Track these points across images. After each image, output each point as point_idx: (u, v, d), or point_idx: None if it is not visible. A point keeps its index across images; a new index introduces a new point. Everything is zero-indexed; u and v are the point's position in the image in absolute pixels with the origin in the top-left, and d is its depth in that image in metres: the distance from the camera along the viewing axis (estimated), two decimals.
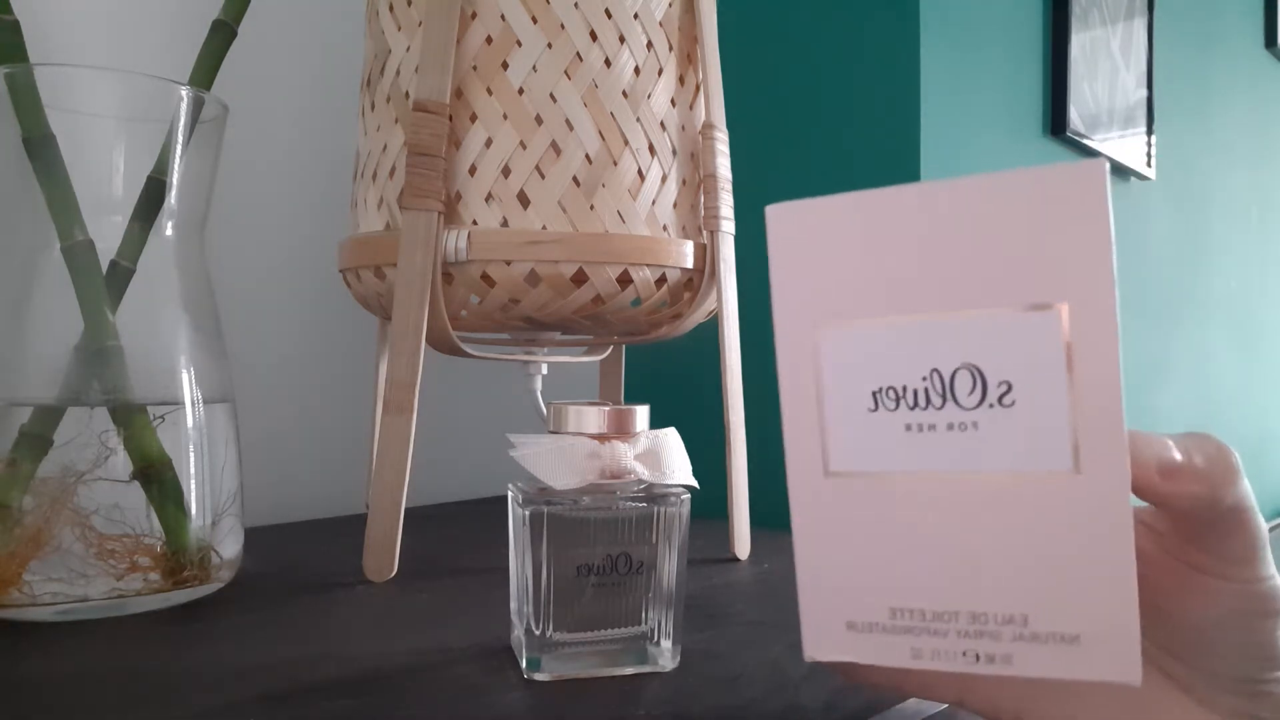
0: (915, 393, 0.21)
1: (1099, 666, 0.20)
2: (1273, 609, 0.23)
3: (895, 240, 0.21)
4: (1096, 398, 0.20)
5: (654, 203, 0.48)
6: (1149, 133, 1.19)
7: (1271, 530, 1.64)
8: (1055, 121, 0.97)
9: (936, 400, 0.21)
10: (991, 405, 0.20)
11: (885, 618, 0.22)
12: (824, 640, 0.23)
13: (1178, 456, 0.22)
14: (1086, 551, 0.20)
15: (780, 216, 0.22)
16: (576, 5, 0.46)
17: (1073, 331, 0.19)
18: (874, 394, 0.21)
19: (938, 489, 0.21)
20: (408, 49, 0.47)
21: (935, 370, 0.21)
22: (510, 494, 0.34)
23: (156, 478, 0.40)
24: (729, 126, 0.54)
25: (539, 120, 0.45)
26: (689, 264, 0.49)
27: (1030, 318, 0.20)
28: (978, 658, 0.21)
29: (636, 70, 0.47)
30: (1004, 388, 0.20)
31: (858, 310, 0.21)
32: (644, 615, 0.33)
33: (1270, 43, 1.63)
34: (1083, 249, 0.19)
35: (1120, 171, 1.15)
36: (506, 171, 0.45)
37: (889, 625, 0.22)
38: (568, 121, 0.46)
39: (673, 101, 0.49)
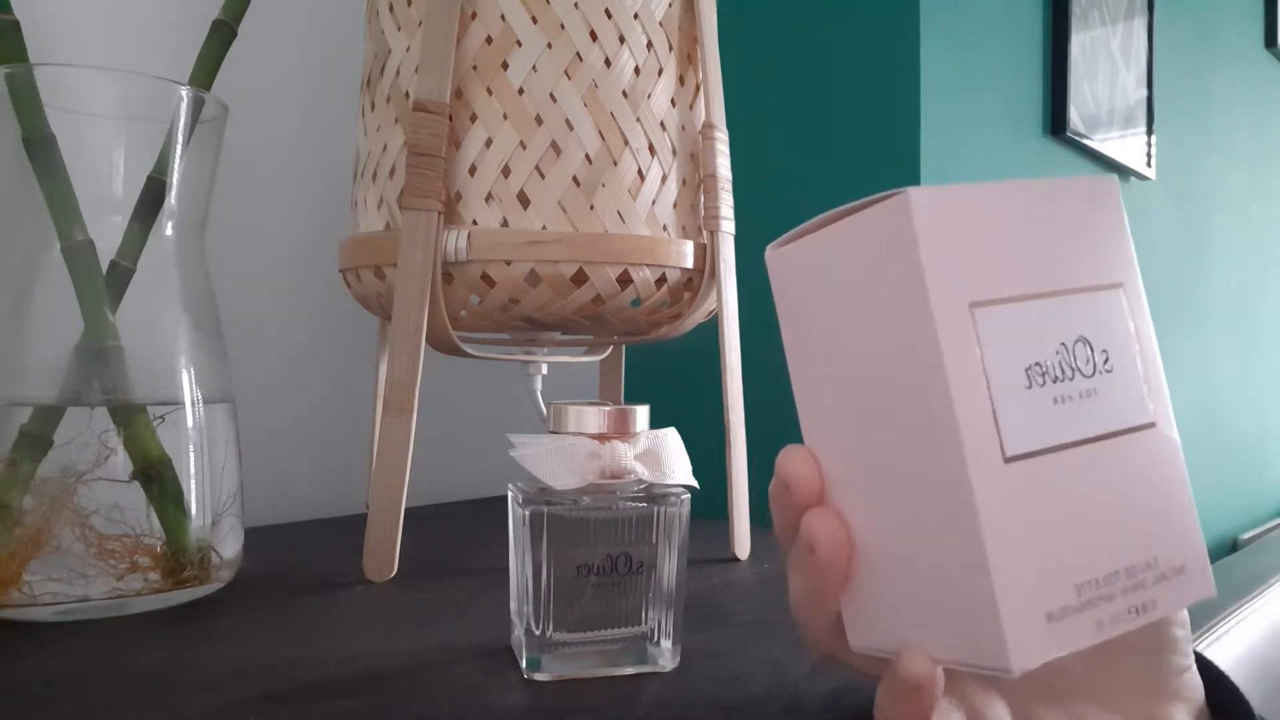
0: (1053, 365, 0.23)
1: (1198, 588, 0.23)
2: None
3: (1013, 228, 0.23)
4: (1150, 360, 0.24)
5: (654, 203, 0.48)
6: (1149, 133, 1.18)
7: (1272, 530, 1.63)
8: (1055, 121, 0.97)
9: (1069, 372, 0.23)
10: (1101, 371, 0.23)
11: (1074, 598, 0.22)
12: (1029, 643, 0.21)
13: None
14: (1169, 491, 0.23)
15: (925, 202, 0.22)
16: (576, 5, 0.46)
17: (1129, 306, 0.24)
18: (1026, 371, 0.22)
19: (1086, 456, 0.23)
20: (408, 49, 0.47)
21: (1063, 343, 0.23)
22: (510, 494, 0.34)
23: (156, 478, 0.40)
24: (729, 126, 0.54)
25: (539, 120, 0.45)
26: (689, 264, 0.49)
27: (1108, 295, 0.23)
28: (1137, 611, 0.22)
29: (636, 70, 0.47)
30: (1104, 355, 0.23)
31: (1000, 291, 0.22)
32: (644, 615, 0.33)
33: (1270, 43, 1.63)
34: (1121, 243, 0.24)
35: (1120, 171, 1.15)
36: (506, 171, 0.45)
37: (1078, 604, 0.22)
38: (568, 121, 0.46)
39: (673, 101, 0.49)
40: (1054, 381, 0.22)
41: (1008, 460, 0.21)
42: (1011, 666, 0.21)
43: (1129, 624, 0.22)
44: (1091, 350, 0.23)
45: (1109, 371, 0.23)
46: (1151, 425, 0.23)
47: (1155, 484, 0.23)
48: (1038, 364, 0.22)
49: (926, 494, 0.22)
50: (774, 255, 0.26)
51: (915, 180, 0.73)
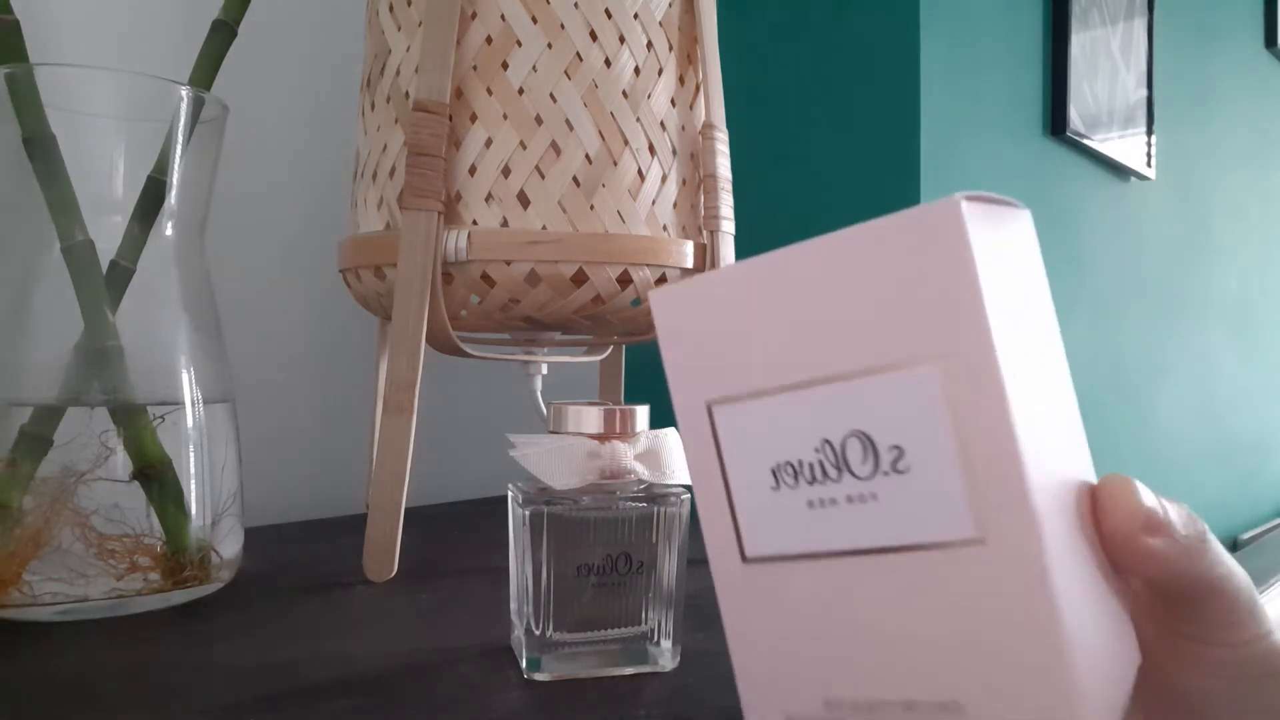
0: (811, 466, 0.20)
1: None
2: (1272, 669, 0.22)
3: (772, 309, 0.20)
4: (991, 457, 0.17)
5: (654, 203, 0.48)
6: (1149, 133, 1.18)
7: (1272, 530, 1.63)
8: (1055, 121, 0.97)
9: (833, 473, 0.19)
10: (886, 473, 0.19)
11: (820, 711, 0.20)
12: None
13: (1160, 511, 0.20)
14: (1009, 631, 0.18)
15: (663, 301, 0.21)
16: (576, 5, 0.46)
17: (955, 386, 0.17)
18: (773, 471, 0.20)
19: (849, 569, 0.19)
20: (408, 49, 0.47)
21: (826, 441, 0.19)
22: (510, 494, 0.34)
23: (156, 478, 0.40)
24: (729, 126, 0.54)
25: (539, 120, 0.45)
26: (689, 264, 0.49)
27: (908, 376, 0.18)
28: None
29: (636, 70, 0.47)
30: (895, 453, 0.18)
31: (745, 386, 0.20)
32: (644, 615, 0.33)
33: (1270, 43, 1.63)
34: (950, 297, 0.17)
35: (1120, 171, 1.15)
36: (506, 171, 0.45)
37: (826, 719, 0.20)
38: (568, 121, 0.46)
39: (673, 101, 0.49)
40: (809, 483, 0.20)
41: (746, 561, 0.21)
42: None
43: None
44: (873, 447, 0.19)
45: (902, 472, 0.18)
46: (973, 541, 0.18)
47: (974, 618, 0.18)
48: (788, 463, 0.20)
49: None
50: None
51: (915, 180, 0.73)
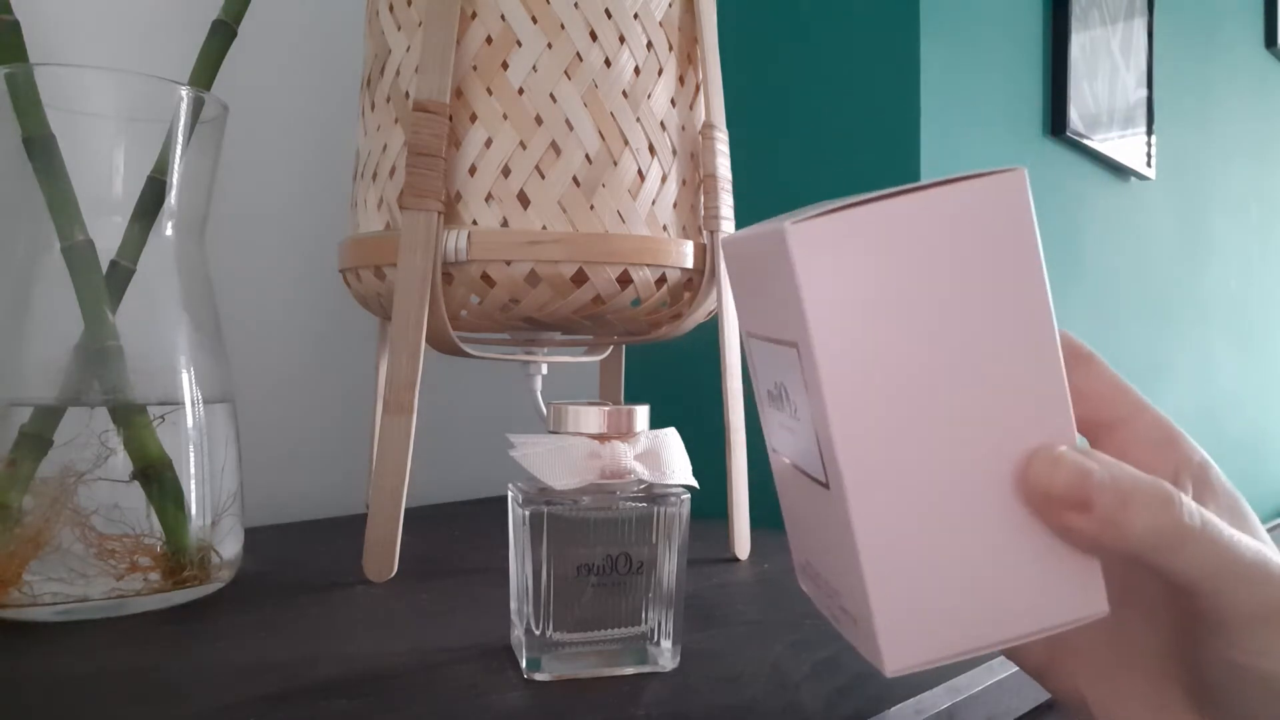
0: (775, 396, 0.25)
1: (867, 648, 0.23)
2: None
3: (747, 274, 0.24)
4: (822, 425, 0.21)
5: (654, 203, 0.48)
6: (1149, 133, 1.18)
7: (1271, 530, 1.63)
8: (1055, 121, 0.97)
9: (781, 404, 0.24)
10: (793, 415, 0.24)
11: (807, 563, 0.27)
12: (800, 576, 0.28)
13: (1080, 487, 0.21)
14: (844, 553, 0.22)
15: (730, 244, 0.26)
16: (576, 5, 0.46)
17: (803, 366, 0.22)
18: (768, 393, 0.25)
19: (793, 473, 0.25)
20: (408, 49, 0.47)
21: (777, 381, 0.24)
22: (510, 494, 0.34)
23: (156, 478, 0.40)
24: (729, 126, 0.54)
25: (539, 120, 0.45)
26: (689, 264, 0.49)
27: (787, 350, 0.22)
28: (836, 619, 0.25)
29: (636, 70, 0.47)
30: (793, 406, 0.23)
31: (748, 327, 0.26)
32: (644, 615, 0.33)
33: (1270, 43, 1.63)
34: (790, 298, 0.21)
35: (1120, 171, 1.15)
36: (506, 171, 0.45)
37: (811, 568, 0.26)
38: (568, 121, 0.46)
39: (673, 101, 0.49)
40: (776, 409, 0.25)
41: (773, 450, 0.27)
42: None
43: (834, 621, 0.26)
44: (786, 395, 0.24)
45: (799, 419, 0.23)
46: (825, 485, 0.22)
47: (833, 535, 0.23)
48: (772, 390, 0.25)
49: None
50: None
51: (915, 180, 0.73)
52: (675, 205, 0.49)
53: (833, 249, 0.21)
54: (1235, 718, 0.23)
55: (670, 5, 0.49)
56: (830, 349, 0.21)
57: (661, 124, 0.49)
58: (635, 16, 0.47)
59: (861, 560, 0.22)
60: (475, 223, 0.45)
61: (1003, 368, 0.22)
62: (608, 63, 0.46)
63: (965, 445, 0.22)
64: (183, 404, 0.41)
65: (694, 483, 0.34)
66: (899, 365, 0.21)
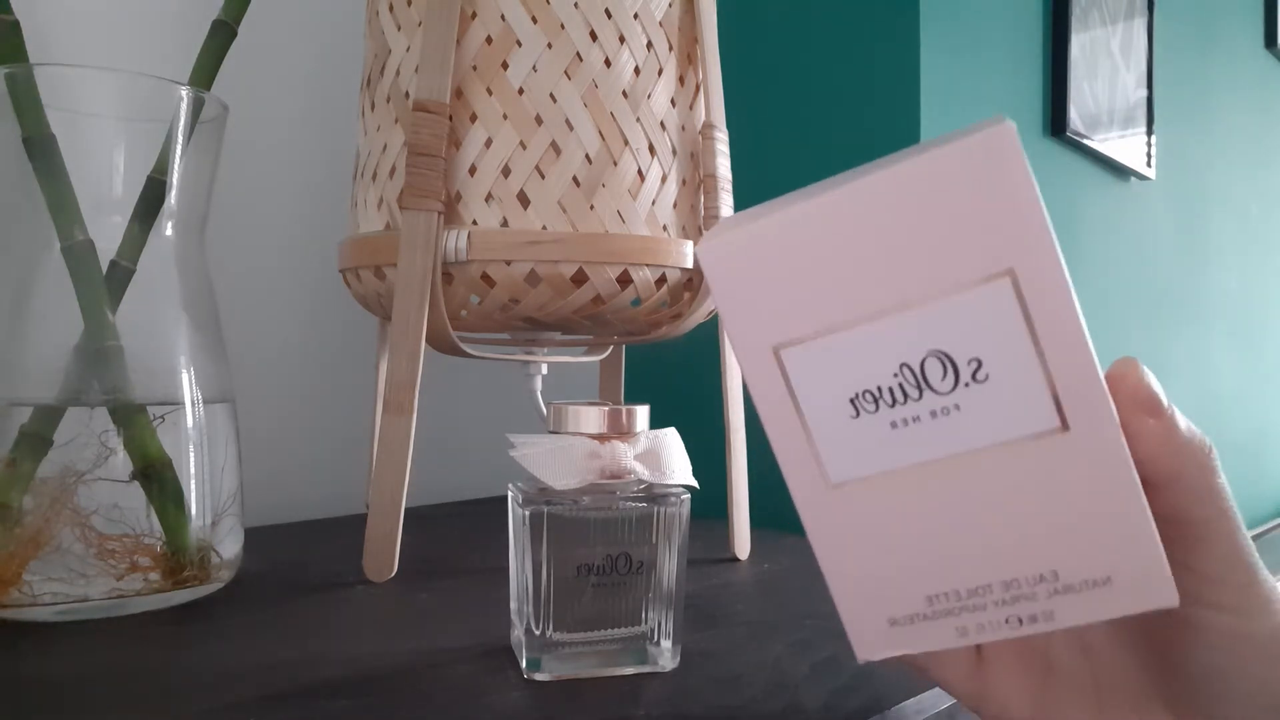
0: (890, 390, 0.21)
1: (1137, 599, 0.21)
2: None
3: (830, 249, 0.20)
4: (1066, 354, 0.19)
5: (654, 203, 0.48)
6: (1149, 133, 1.18)
7: (1271, 530, 1.63)
8: (1055, 121, 0.97)
9: (914, 393, 0.21)
10: (968, 384, 0.20)
11: (924, 606, 0.22)
12: (872, 641, 0.23)
13: (1160, 397, 0.21)
14: (1095, 501, 0.20)
15: (713, 252, 0.21)
16: (576, 5, 0.46)
17: (1027, 295, 0.19)
18: (852, 401, 0.21)
19: (937, 474, 0.21)
20: (408, 49, 0.47)
21: (904, 364, 0.21)
22: (510, 494, 0.34)
23: (156, 478, 0.40)
24: (729, 126, 0.54)
25: (539, 120, 0.45)
26: (689, 264, 0.49)
27: (983, 291, 0.20)
28: (1020, 621, 0.22)
29: (636, 70, 0.47)
30: (974, 364, 0.20)
31: (814, 326, 0.21)
32: (644, 615, 0.33)
33: (1270, 43, 1.63)
34: (1014, 214, 0.19)
35: (1120, 171, 1.15)
36: (506, 171, 0.45)
37: (929, 612, 0.22)
38: (568, 121, 0.46)
39: (673, 101, 0.49)
40: (890, 406, 0.21)
41: (832, 488, 0.22)
42: (858, 657, 0.23)
43: (1008, 632, 0.22)
44: (951, 364, 0.20)
45: (981, 381, 0.20)
46: (1057, 430, 0.20)
47: (1062, 495, 0.21)
48: (867, 391, 0.21)
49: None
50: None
51: None
52: (675, 205, 0.49)
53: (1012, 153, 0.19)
54: (1201, 690, 0.24)
55: (670, 5, 0.49)
56: (1058, 261, 0.19)
57: (661, 124, 0.49)
58: (635, 16, 0.47)
59: (1139, 489, 0.20)
60: (475, 223, 0.45)
61: None
62: (608, 63, 0.46)
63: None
64: (183, 404, 0.41)
65: (694, 483, 0.34)
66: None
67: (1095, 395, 0.20)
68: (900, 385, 0.21)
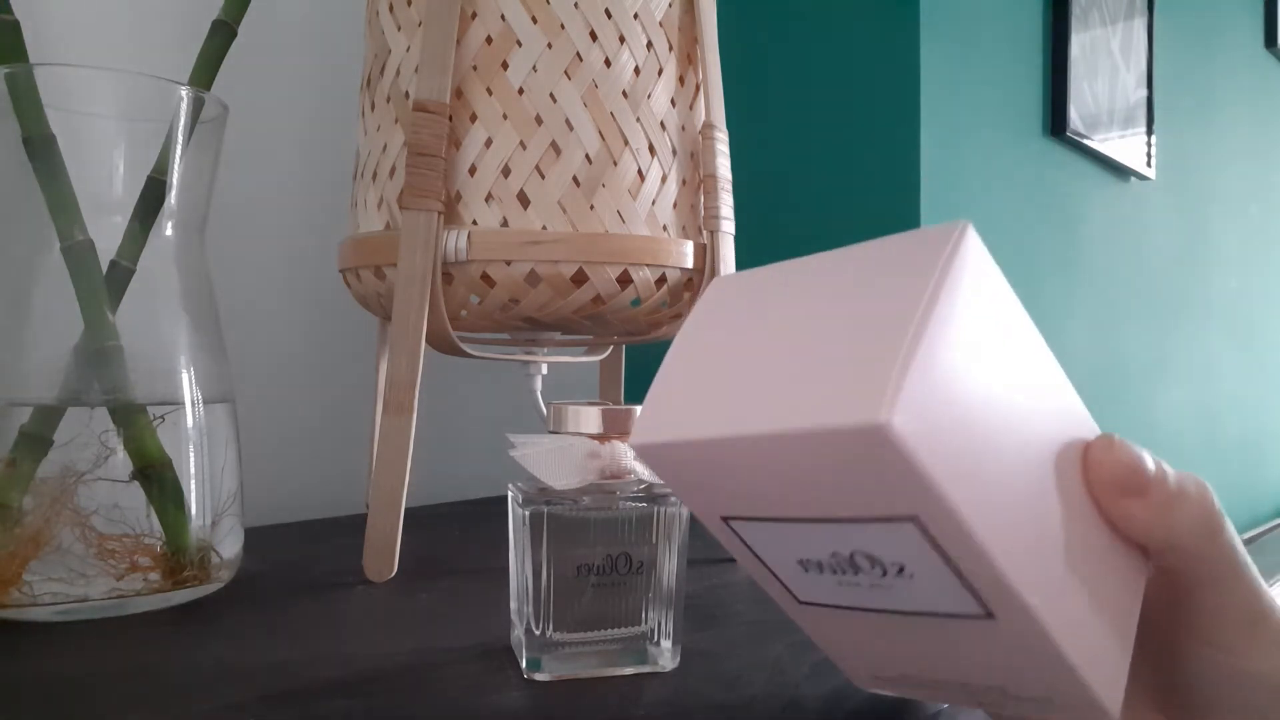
0: (829, 565, 0.22)
1: (1078, 714, 0.23)
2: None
3: (751, 470, 0.21)
4: (979, 570, 0.20)
5: (654, 203, 0.48)
6: (1149, 133, 1.18)
7: (1271, 530, 1.63)
8: (1055, 121, 0.97)
9: (849, 570, 0.22)
10: (897, 575, 0.21)
11: (897, 674, 0.25)
12: (862, 680, 0.27)
13: (1142, 473, 0.21)
14: (1029, 665, 0.22)
15: (648, 454, 0.22)
16: (576, 5, 0.46)
17: (934, 533, 0.19)
18: (799, 562, 0.23)
19: (882, 619, 0.23)
20: (408, 49, 0.47)
21: (835, 553, 0.22)
22: (510, 494, 0.34)
23: (156, 478, 0.40)
24: (729, 126, 0.54)
25: (539, 120, 0.45)
26: (689, 264, 0.49)
27: (893, 527, 0.20)
28: (980, 703, 0.25)
29: (636, 70, 0.47)
30: (897, 566, 0.21)
31: (750, 513, 0.22)
32: (644, 615, 0.33)
33: (1270, 43, 1.63)
34: (910, 483, 0.18)
35: (1120, 171, 1.15)
36: (506, 171, 0.45)
37: (903, 677, 0.25)
38: (568, 121, 0.46)
39: (673, 101, 0.49)
40: (833, 573, 0.22)
41: (801, 604, 0.24)
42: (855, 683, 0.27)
43: (972, 705, 0.25)
44: (878, 562, 0.21)
45: (907, 578, 0.21)
46: (987, 616, 0.21)
47: (999, 653, 0.22)
48: (809, 560, 0.22)
49: None
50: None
51: (915, 180, 0.73)
52: (675, 205, 0.49)
53: (928, 418, 0.18)
54: (1200, 714, 0.24)
55: (670, 5, 0.49)
56: (970, 506, 0.19)
57: (661, 124, 0.49)
58: (635, 16, 0.47)
59: (1066, 656, 0.21)
60: (475, 223, 0.45)
61: (1038, 373, 0.22)
62: (608, 63, 0.46)
63: (1062, 504, 0.22)
64: (183, 404, 0.41)
65: None
66: (1010, 471, 0.20)
67: (1013, 601, 0.20)
68: (837, 563, 0.22)
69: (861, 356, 0.19)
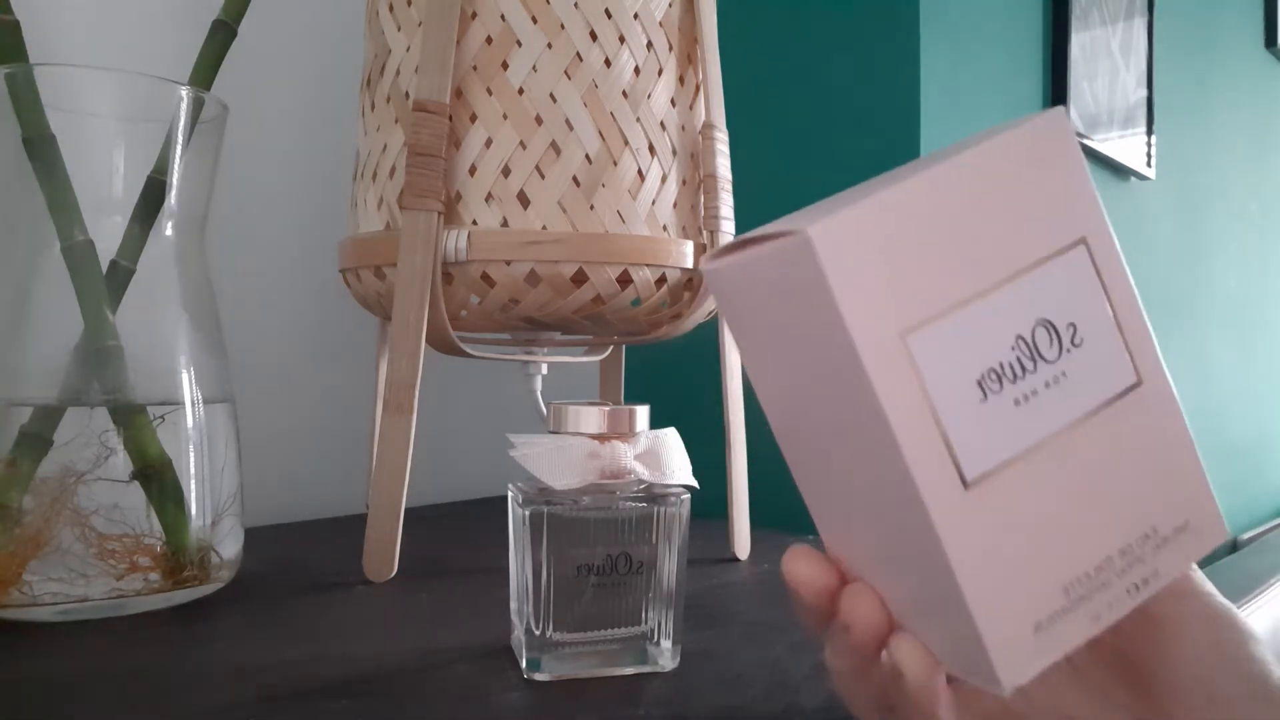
0: (1011, 365, 0.21)
1: (1206, 540, 0.23)
2: (1233, 622, 0.23)
3: (934, 228, 0.20)
4: (1129, 309, 0.22)
5: (654, 203, 0.48)
6: (1149, 133, 1.18)
7: (1271, 530, 1.63)
8: None
9: (1029, 364, 0.21)
10: (1069, 350, 0.22)
11: (1062, 600, 0.21)
12: (1021, 660, 0.21)
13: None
14: (1167, 449, 0.23)
15: (828, 238, 0.20)
16: (576, 5, 0.46)
17: (1098, 259, 0.22)
18: (979, 383, 0.21)
19: (1059, 448, 0.21)
20: (408, 49, 0.47)
21: (1019, 336, 0.21)
22: (510, 494, 0.34)
23: (156, 478, 0.40)
24: (729, 126, 0.54)
25: (539, 120, 0.45)
26: (689, 264, 0.49)
27: (1069, 257, 0.22)
28: (1137, 587, 0.22)
29: (636, 70, 0.47)
30: (1071, 329, 0.22)
31: (934, 307, 0.20)
32: (644, 615, 0.33)
33: (1270, 43, 1.62)
34: (1073, 186, 0.22)
35: (1120, 171, 1.15)
36: (506, 171, 0.45)
37: (1067, 604, 0.21)
38: (568, 121, 0.46)
39: (673, 101, 0.49)
40: (1013, 381, 0.21)
41: (968, 486, 0.20)
42: (1003, 687, 0.21)
43: (1130, 603, 0.22)
44: (1055, 331, 0.21)
45: (1079, 345, 0.22)
46: (1136, 384, 0.22)
47: (1146, 448, 0.22)
48: (992, 370, 0.21)
49: (898, 526, 0.21)
50: (710, 270, 0.23)
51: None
52: (675, 205, 0.49)
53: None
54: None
55: (670, 5, 0.49)
56: (1110, 227, 0.22)
57: (661, 124, 0.49)
58: (635, 16, 0.47)
59: (1188, 435, 0.23)
60: (475, 223, 0.45)
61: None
62: (608, 63, 0.46)
63: None
64: (183, 404, 0.41)
65: (694, 483, 0.34)
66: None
67: (1151, 345, 0.22)
68: (1019, 359, 0.21)
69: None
